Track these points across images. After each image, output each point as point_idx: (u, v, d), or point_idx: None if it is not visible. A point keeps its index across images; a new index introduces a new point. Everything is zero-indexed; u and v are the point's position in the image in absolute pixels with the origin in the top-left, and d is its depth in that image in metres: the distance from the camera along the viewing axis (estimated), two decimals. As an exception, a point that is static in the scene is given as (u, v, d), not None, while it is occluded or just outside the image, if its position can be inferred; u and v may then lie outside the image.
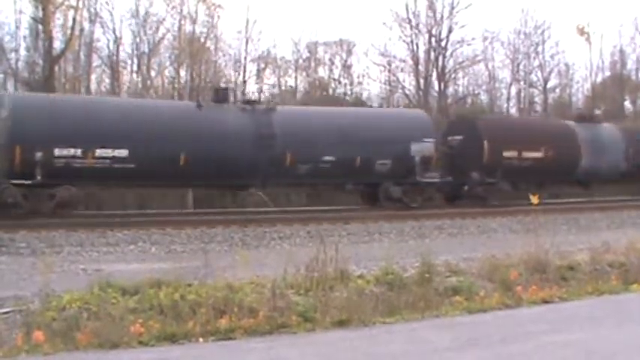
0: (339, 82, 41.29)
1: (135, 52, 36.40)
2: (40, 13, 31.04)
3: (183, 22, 37.33)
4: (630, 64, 46.76)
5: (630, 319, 8.44)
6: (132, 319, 7.46)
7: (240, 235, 17.04)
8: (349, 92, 41.17)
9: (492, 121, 29.26)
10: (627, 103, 46.64)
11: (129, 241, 15.69)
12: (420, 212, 21.70)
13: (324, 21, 62.90)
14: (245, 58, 38.25)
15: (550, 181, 27.52)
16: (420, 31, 40.01)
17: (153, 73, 36.98)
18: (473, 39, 41.06)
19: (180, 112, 21.33)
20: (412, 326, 7.96)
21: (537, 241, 11.04)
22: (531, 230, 11.77)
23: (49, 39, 30.84)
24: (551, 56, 44.37)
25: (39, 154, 17.68)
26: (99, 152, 18.52)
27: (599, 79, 46.88)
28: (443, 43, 40.01)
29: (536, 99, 45.06)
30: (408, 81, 41.30)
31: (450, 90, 42.18)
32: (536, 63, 44.11)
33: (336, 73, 41.38)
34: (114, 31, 35.41)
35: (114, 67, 35.51)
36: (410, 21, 40.00)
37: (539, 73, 44.30)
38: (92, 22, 34.73)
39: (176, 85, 36.90)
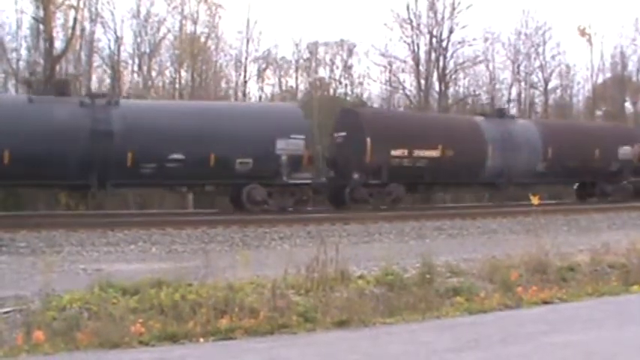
0: (340, 83, 41.33)
1: (136, 52, 36.44)
2: (41, 13, 31.03)
3: (184, 22, 37.38)
4: (631, 66, 46.74)
5: (631, 321, 8.44)
6: (132, 319, 7.47)
7: (241, 236, 17.03)
8: (350, 93, 41.19)
9: (377, 115, 26.76)
10: (628, 105, 46.62)
11: (129, 240, 15.68)
12: (420, 213, 21.68)
13: (324, 21, 62.90)
14: (246, 58, 38.27)
15: (452, 183, 25.96)
16: (420, 32, 40.02)
17: (154, 73, 37.00)
18: (474, 40, 41.06)
19: (7, 106, 19.79)
20: (412, 327, 7.97)
21: (538, 241, 11.05)
22: (532, 231, 11.78)
23: (50, 39, 30.84)
24: (552, 57, 44.36)
25: None
26: None
27: (599, 80, 46.87)
28: (444, 44, 40.02)
29: (537, 100, 45.04)
30: (409, 81, 41.32)
31: (451, 91, 42.16)
32: (537, 64, 44.09)
33: (337, 73, 41.41)
34: (115, 31, 35.43)
35: (115, 67, 35.50)
36: (411, 21, 40.02)
37: (540, 74, 44.29)
38: (93, 21, 34.75)
39: (177, 86, 36.92)
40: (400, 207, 23.05)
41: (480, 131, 25.63)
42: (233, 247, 15.43)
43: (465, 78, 43.53)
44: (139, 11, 35.95)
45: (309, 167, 22.24)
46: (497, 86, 44.03)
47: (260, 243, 16.35)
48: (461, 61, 41.22)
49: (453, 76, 41.79)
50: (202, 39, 37.95)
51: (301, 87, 40.72)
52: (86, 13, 33.96)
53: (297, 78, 40.71)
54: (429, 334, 7.57)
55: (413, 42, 40.08)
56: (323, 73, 41.44)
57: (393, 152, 23.08)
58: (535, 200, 12.44)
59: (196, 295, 8.15)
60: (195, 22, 37.50)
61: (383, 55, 41.34)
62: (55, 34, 31.52)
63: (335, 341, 7.30)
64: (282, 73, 40.77)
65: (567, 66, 45.47)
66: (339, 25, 65.02)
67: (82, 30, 33.87)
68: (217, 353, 6.87)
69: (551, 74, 44.48)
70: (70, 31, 32.27)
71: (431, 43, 39.94)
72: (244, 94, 37.42)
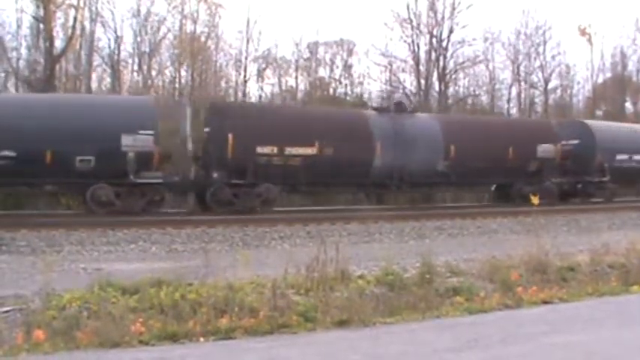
0: (340, 83, 41.31)
1: (136, 51, 36.45)
2: (42, 12, 31.04)
3: (184, 21, 37.40)
4: (631, 66, 46.83)
5: (631, 321, 8.44)
6: (132, 319, 7.47)
7: (241, 235, 17.04)
8: (350, 92, 41.19)
9: (242, 109, 24.34)
10: (628, 105, 46.64)
11: (129, 240, 15.69)
12: (420, 213, 21.68)
13: (324, 21, 62.98)
14: (246, 57, 38.27)
15: (334, 183, 23.31)
16: (420, 32, 40.05)
17: (154, 73, 36.99)
18: (474, 40, 41.11)
19: None
20: (412, 327, 7.97)
21: (538, 241, 11.05)
22: (532, 231, 11.77)
23: (50, 38, 30.85)
24: (552, 57, 44.41)
25: None
26: None
27: (600, 80, 46.92)
28: (444, 44, 40.05)
29: (537, 100, 45.05)
30: (409, 81, 41.33)
31: (451, 90, 42.19)
32: (537, 64, 44.14)
33: (337, 73, 41.40)
34: (115, 31, 35.47)
35: (115, 66, 35.52)
36: (411, 21, 40.05)
37: (540, 74, 44.33)
38: (93, 21, 34.77)
39: (177, 85, 36.92)
40: (271, 210, 21.12)
41: (366, 127, 23.00)
42: (233, 246, 15.44)
43: (464, 78, 43.63)
44: (139, 10, 36.02)
45: (161, 165, 20.28)
46: (497, 86, 44.12)
47: (260, 242, 16.35)
48: (461, 60, 41.30)
49: (453, 76, 41.85)
50: (202, 38, 37.97)
51: (301, 87, 40.75)
52: (86, 13, 34.03)
53: (297, 78, 40.73)
54: (429, 334, 7.57)
55: (413, 42, 40.15)
56: (323, 72, 41.48)
57: (260, 149, 20.86)
58: (535, 200, 12.44)
59: (196, 295, 8.15)
60: (195, 22, 37.55)
61: (383, 54, 41.40)
62: (55, 34, 31.59)
63: (335, 341, 7.30)
64: (282, 72, 40.78)
65: (567, 66, 45.58)
66: (339, 25, 65.04)
67: (82, 29, 33.92)
68: (217, 353, 6.88)
69: (551, 74, 44.58)
70: (70, 30, 32.33)
71: (431, 42, 40.00)
72: (244, 94, 37.43)
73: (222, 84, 38.86)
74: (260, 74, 39.94)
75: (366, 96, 41.04)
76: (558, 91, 46.05)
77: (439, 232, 19.09)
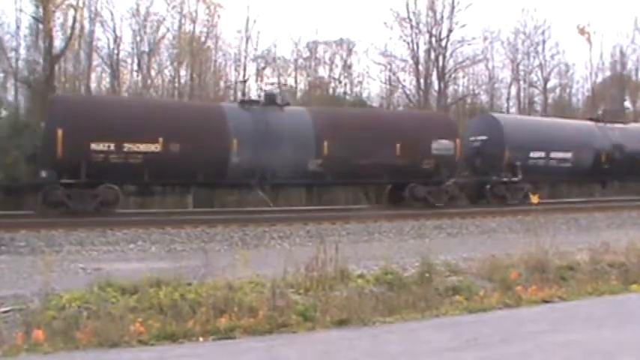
0: (340, 82, 41.27)
1: (135, 51, 36.42)
2: (41, 12, 31.02)
3: (183, 21, 37.38)
4: (630, 64, 46.82)
5: (630, 320, 8.45)
6: (132, 318, 7.47)
7: (240, 235, 17.04)
8: (349, 92, 41.18)
9: (74, 102, 21.85)
10: (627, 103, 46.62)
11: (129, 240, 15.69)
12: (419, 212, 21.66)
13: (324, 20, 62.83)
14: (245, 57, 38.26)
15: (185, 183, 21.12)
16: (420, 31, 40.00)
17: (153, 73, 36.98)
18: (473, 39, 41.06)
19: None
20: (412, 326, 7.96)
21: (537, 240, 11.05)
22: (531, 230, 11.77)
23: (50, 38, 30.82)
24: (552, 56, 44.42)
25: None
26: None
27: (599, 79, 46.92)
28: (443, 43, 40.00)
29: (536, 99, 45.06)
30: (409, 80, 41.31)
31: (450, 90, 42.17)
32: (536, 63, 44.13)
33: (337, 72, 41.37)
34: (114, 30, 35.45)
35: (114, 66, 35.50)
36: (410, 21, 40.00)
37: (539, 73, 44.33)
38: (92, 21, 34.77)
39: (176, 85, 36.90)
40: (108, 211, 19.27)
41: (222, 121, 20.86)
42: (232, 246, 15.43)
43: (464, 77, 43.63)
44: (138, 10, 35.99)
45: None
46: (497, 85, 44.12)
47: (259, 242, 16.35)
48: (460, 60, 41.28)
49: (453, 75, 41.81)
50: (201, 38, 37.96)
51: (301, 86, 40.73)
52: (85, 13, 34.02)
53: (296, 77, 40.70)
54: (428, 333, 7.57)
55: (412, 41, 40.11)
56: (322, 72, 41.45)
57: (95, 146, 18.94)
58: (535, 199, 12.44)
59: (196, 295, 8.16)
60: (194, 22, 37.54)
61: (382, 54, 41.40)
62: (54, 34, 31.51)
63: (334, 340, 7.30)
64: (281, 72, 40.75)
65: (566, 65, 45.60)
66: (338, 24, 64.88)
67: (82, 29, 33.91)
68: (217, 352, 6.87)
69: (550, 73, 44.59)
70: (69, 30, 32.30)
71: (430, 42, 39.95)
72: (243, 94, 37.40)
73: (222, 84, 38.86)
74: (259, 74, 39.94)
75: (365, 95, 41.11)
76: (557, 91, 46.10)
77: (438, 231, 19.09)
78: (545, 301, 9.37)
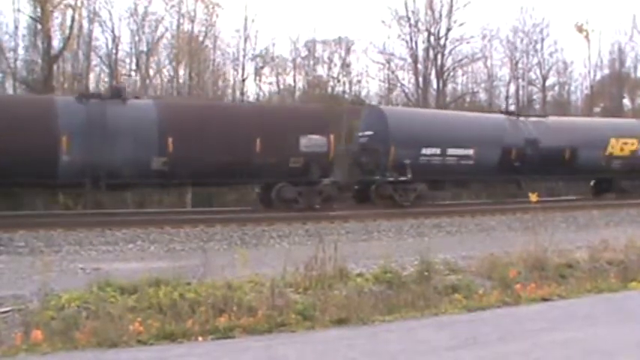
0: (338, 81, 41.25)
1: (133, 51, 36.40)
2: (39, 13, 30.99)
3: (181, 20, 37.35)
4: (629, 62, 46.83)
5: (629, 318, 8.45)
6: (131, 318, 7.47)
7: (239, 234, 17.04)
8: (348, 91, 41.16)
9: None
10: (626, 101, 46.65)
11: (128, 240, 15.69)
12: (419, 210, 21.66)
13: (322, 19, 62.92)
14: (243, 56, 38.24)
15: (5, 183, 18.50)
16: (418, 29, 40.00)
17: (151, 72, 36.97)
18: (472, 37, 41.09)
19: None
20: (411, 324, 7.97)
21: (536, 239, 11.05)
22: (530, 228, 11.77)
23: (48, 38, 30.80)
24: (550, 54, 44.44)
25: None
26: None
27: (597, 77, 46.92)
28: (442, 41, 40.01)
29: (535, 97, 45.06)
30: (407, 79, 41.35)
31: (449, 88, 42.20)
32: (534, 61, 44.16)
33: (335, 71, 41.35)
34: (112, 30, 35.38)
35: (112, 66, 35.48)
36: (409, 19, 40.00)
37: (537, 71, 44.36)
38: (91, 21, 34.70)
39: (175, 84, 36.88)
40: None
41: (50, 116, 18.60)
42: (231, 245, 15.44)
43: (463, 75, 43.64)
44: (136, 10, 35.95)
45: None
46: (495, 83, 44.14)
47: (259, 241, 16.36)
48: (459, 58, 41.30)
49: (451, 74, 41.84)
50: (200, 38, 37.95)
51: (299, 85, 40.72)
52: (84, 13, 33.97)
53: (295, 76, 40.69)
54: (427, 332, 7.57)
55: (411, 39, 40.12)
56: (321, 71, 41.43)
57: None
58: (533, 198, 12.44)
59: (195, 294, 8.16)
60: (192, 21, 37.51)
61: (381, 52, 41.38)
62: (52, 34, 31.50)
63: (333, 339, 7.30)
64: (279, 71, 40.74)
65: (565, 63, 45.60)
66: (336, 23, 64.95)
67: (80, 29, 33.88)
68: (216, 352, 6.87)
69: (549, 71, 44.61)
70: (67, 30, 32.28)
71: (429, 40, 39.96)
72: (242, 93, 37.41)
73: (220, 83, 38.85)
74: (258, 73, 39.93)
75: (364, 94, 41.09)
76: (556, 88, 46.11)
77: (438, 229, 19.11)
78: (545, 300, 9.38)
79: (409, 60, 40.42)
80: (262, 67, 39.99)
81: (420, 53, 40.06)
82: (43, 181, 18.94)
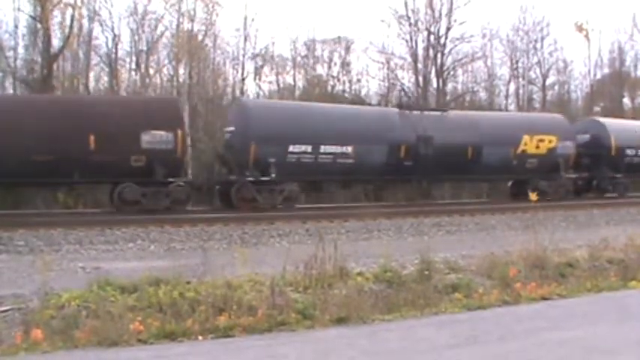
0: (338, 80, 41.22)
1: (133, 50, 36.37)
2: (39, 12, 30.98)
3: (181, 19, 37.25)
4: (629, 61, 46.83)
5: (629, 316, 8.45)
6: (131, 317, 7.47)
7: (239, 233, 17.03)
8: (348, 90, 41.13)
9: None
10: (626, 100, 46.63)
11: (128, 239, 15.68)
12: (418, 209, 21.65)
13: (322, 18, 62.86)
14: (243, 55, 38.22)
15: None
16: (418, 29, 39.95)
17: (151, 71, 36.94)
18: (472, 36, 41.07)
19: None
20: (411, 323, 7.97)
21: (536, 238, 11.04)
22: (530, 227, 11.77)
23: (48, 37, 30.79)
24: (550, 53, 44.44)
25: None
26: None
27: (597, 76, 46.91)
28: (442, 41, 39.97)
29: (535, 96, 45.06)
30: (407, 78, 41.27)
31: (449, 87, 42.16)
32: (534, 60, 44.16)
33: (335, 70, 41.31)
34: (112, 29, 35.35)
35: (112, 65, 35.46)
36: (409, 18, 39.96)
37: (537, 70, 44.37)
38: (91, 20, 34.69)
39: (174, 83, 36.85)
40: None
41: None
42: (231, 244, 15.42)
43: (463, 74, 43.61)
44: (136, 9, 35.93)
45: None
46: (495, 82, 44.11)
47: (258, 240, 16.35)
48: (459, 57, 41.26)
49: (451, 73, 41.80)
50: (200, 37, 37.92)
51: (299, 84, 40.69)
52: (84, 12, 33.96)
53: (294, 75, 40.65)
54: (427, 331, 7.57)
55: (411, 38, 40.07)
56: (321, 70, 41.40)
57: None
58: (533, 197, 12.44)
59: (195, 293, 8.16)
60: (192, 20, 37.42)
61: (381, 51, 41.34)
62: (52, 33, 31.49)
63: (333, 338, 7.30)
64: (279, 70, 40.71)
65: (565, 62, 45.59)
66: (336, 22, 64.96)
67: (80, 28, 33.87)
68: (216, 351, 6.87)
69: (549, 70, 44.60)
70: (67, 29, 32.26)
71: (429, 39, 39.92)
72: (242, 92, 37.38)
73: (220, 82, 38.82)
74: (257, 72, 39.90)
75: (364, 93, 41.06)
76: (556, 88, 46.10)
77: (438, 228, 19.09)
78: (544, 298, 9.38)
79: (409, 59, 40.41)
80: (262, 66, 39.97)
81: (420, 52, 40.06)
82: None
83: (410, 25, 39.92)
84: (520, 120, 27.99)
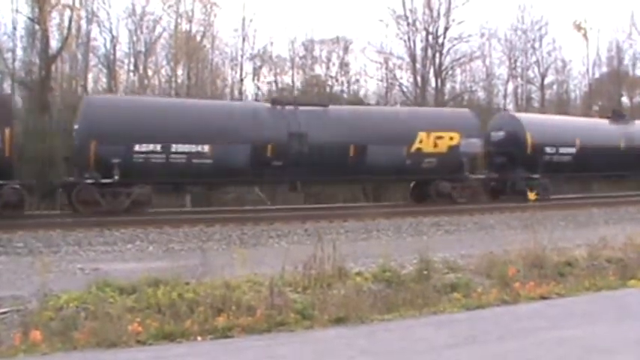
0: (337, 80, 41.25)
1: (131, 51, 36.40)
2: (37, 13, 30.98)
3: (179, 20, 37.39)
4: (627, 60, 46.86)
5: (628, 315, 8.45)
6: (130, 318, 7.47)
7: (238, 234, 17.01)
8: (346, 90, 41.15)
9: None
10: (624, 99, 46.64)
11: (126, 240, 15.66)
12: (417, 209, 21.65)
13: (320, 18, 62.86)
14: (242, 56, 38.25)
15: None
16: (417, 28, 40.02)
17: (150, 72, 36.96)
18: (470, 36, 41.11)
19: None
20: (410, 323, 7.97)
21: (535, 237, 11.05)
22: (529, 226, 11.78)
23: (46, 38, 30.80)
24: (548, 52, 44.50)
25: None
26: None
27: (596, 75, 46.95)
28: (440, 40, 40.02)
29: (534, 95, 45.10)
30: (406, 78, 41.34)
31: (448, 87, 42.20)
32: (533, 59, 44.21)
33: (333, 70, 41.35)
34: (110, 30, 35.44)
35: (111, 66, 35.48)
36: (407, 18, 40.03)
37: (536, 70, 44.41)
38: (89, 21, 34.73)
39: (173, 84, 36.87)
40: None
41: None
42: (230, 245, 15.39)
43: (461, 74, 43.64)
44: (134, 10, 35.99)
45: None
46: (494, 82, 44.15)
47: (257, 241, 16.33)
48: (457, 57, 41.28)
49: (450, 72, 41.84)
50: (198, 37, 37.95)
51: (297, 85, 40.70)
52: (82, 13, 33.99)
53: (293, 76, 40.67)
54: (426, 330, 7.57)
55: (409, 38, 40.13)
56: (319, 70, 41.42)
57: None
58: (532, 196, 12.46)
59: (194, 294, 8.16)
60: (190, 21, 37.54)
61: (379, 51, 41.38)
62: (50, 34, 31.53)
63: (332, 338, 7.30)
64: (277, 70, 40.74)
65: (563, 61, 45.63)
66: (334, 22, 64.99)
67: (78, 29, 33.90)
68: (215, 352, 6.87)
69: (547, 70, 44.62)
70: (65, 30, 32.29)
71: (427, 39, 39.96)
72: (240, 93, 37.40)
73: (219, 83, 38.85)
74: (256, 73, 39.92)
75: (362, 93, 41.08)
76: (555, 87, 46.14)
77: (436, 228, 19.07)
78: (543, 298, 9.38)
79: (407, 59, 40.46)
80: (260, 67, 40.00)
81: (419, 52, 40.11)
82: None
83: (408, 24, 40.01)
84: (416, 115, 24.81)
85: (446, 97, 40.63)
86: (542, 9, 54.99)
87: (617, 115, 29.95)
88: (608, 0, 54.54)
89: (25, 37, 32.46)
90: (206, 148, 19.96)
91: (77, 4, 33.01)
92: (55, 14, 32.42)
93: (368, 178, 23.60)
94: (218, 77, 38.95)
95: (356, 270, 10.03)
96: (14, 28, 32.49)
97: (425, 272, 9.81)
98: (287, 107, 21.91)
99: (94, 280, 8.82)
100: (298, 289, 8.80)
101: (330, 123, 21.95)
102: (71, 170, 20.71)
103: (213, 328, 7.44)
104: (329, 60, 41.40)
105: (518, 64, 44.01)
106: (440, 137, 23.09)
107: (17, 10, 32.30)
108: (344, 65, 41.32)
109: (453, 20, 39.80)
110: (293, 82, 40.50)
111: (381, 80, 42.25)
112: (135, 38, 36.01)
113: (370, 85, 44.63)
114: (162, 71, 37.69)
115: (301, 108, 22.11)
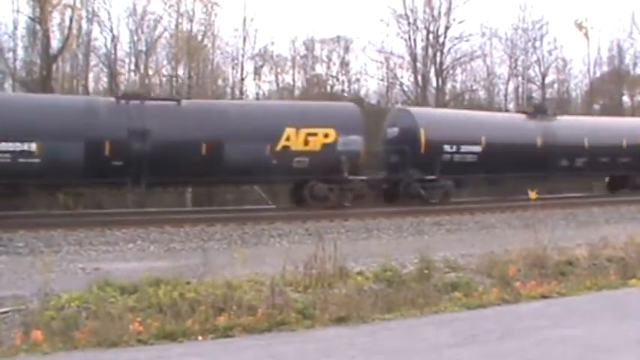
0: (337, 79, 41.28)
1: (132, 50, 36.41)
2: (38, 13, 31.00)
3: (180, 20, 37.39)
4: (628, 59, 46.81)
5: (629, 314, 8.45)
6: (131, 318, 7.48)
7: (239, 233, 17.02)
8: (347, 89, 41.16)
9: None
10: (625, 98, 46.63)
11: (128, 239, 15.66)
12: (418, 209, 21.63)
13: (321, 18, 62.94)
14: (242, 55, 38.27)
15: None
16: (417, 28, 40.02)
17: (150, 72, 36.96)
18: (471, 35, 41.12)
19: None
20: (411, 323, 7.97)
21: (536, 236, 11.06)
22: (530, 226, 11.77)
23: (47, 38, 30.83)
24: (549, 52, 44.50)
25: None
26: None
27: (597, 74, 46.93)
28: (441, 40, 40.02)
29: (535, 94, 45.06)
30: (406, 77, 41.36)
31: (448, 86, 42.21)
32: (534, 58, 44.21)
33: (334, 70, 41.37)
34: (111, 30, 35.45)
35: (111, 65, 35.48)
36: (407, 17, 40.03)
37: (537, 69, 44.41)
38: (90, 21, 34.75)
39: (174, 84, 36.88)
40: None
41: None
42: (231, 244, 15.39)
43: (462, 73, 43.64)
44: (135, 10, 35.99)
45: None
46: (495, 81, 44.13)
47: (258, 240, 16.34)
48: (458, 56, 41.29)
49: (450, 72, 41.85)
50: (199, 37, 37.96)
51: (298, 84, 40.73)
52: (83, 13, 34.00)
53: (294, 75, 40.70)
54: (427, 330, 7.57)
55: (410, 38, 40.14)
56: (320, 69, 41.45)
57: None
58: (533, 195, 12.45)
59: (195, 293, 8.16)
60: (191, 20, 37.55)
61: (380, 51, 41.39)
62: (51, 34, 31.56)
63: (333, 337, 7.30)
64: (278, 70, 40.76)
65: (564, 60, 45.62)
66: (335, 22, 65.02)
67: (79, 29, 33.92)
68: (216, 351, 6.87)
69: (548, 69, 44.62)
70: (66, 30, 32.31)
71: (428, 38, 39.95)
72: (241, 92, 37.41)
73: (220, 82, 38.86)
74: (257, 72, 39.94)
75: (363, 93, 41.11)
76: (555, 86, 46.11)
77: (437, 227, 19.06)
78: (544, 297, 9.38)
79: (408, 58, 40.46)
80: (261, 66, 40.07)
81: (419, 51, 40.11)
82: None
83: (409, 24, 40.01)
84: (284, 110, 22.65)
85: (447, 96, 40.62)
86: (543, 8, 55.10)
87: (537, 110, 27.41)
88: (608, -1, 54.49)
89: (26, 36, 32.59)
90: (33, 146, 18.04)
91: (78, 4, 33.07)
92: (55, 14, 32.50)
93: (226, 179, 21.33)
94: (219, 77, 38.98)
95: (357, 269, 10.04)
96: (15, 28, 32.61)
97: (426, 272, 9.81)
98: (131, 102, 19.98)
99: (95, 280, 8.84)
100: (299, 288, 8.81)
101: (181, 119, 20.15)
102: None
103: (214, 327, 7.44)
104: (330, 59, 41.50)
105: (519, 63, 44.05)
106: (312, 134, 20.98)
107: (18, 10, 32.40)
108: (345, 64, 41.41)
109: (454, 19, 39.86)
110: (294, 81, 40.55)
111: (382, 79, 42.30)
112: (136, 38, 36.05)
113: (371, 85, 44.75)
114: (163, 71, 37.76)
115: (148, 103, 20.43)
